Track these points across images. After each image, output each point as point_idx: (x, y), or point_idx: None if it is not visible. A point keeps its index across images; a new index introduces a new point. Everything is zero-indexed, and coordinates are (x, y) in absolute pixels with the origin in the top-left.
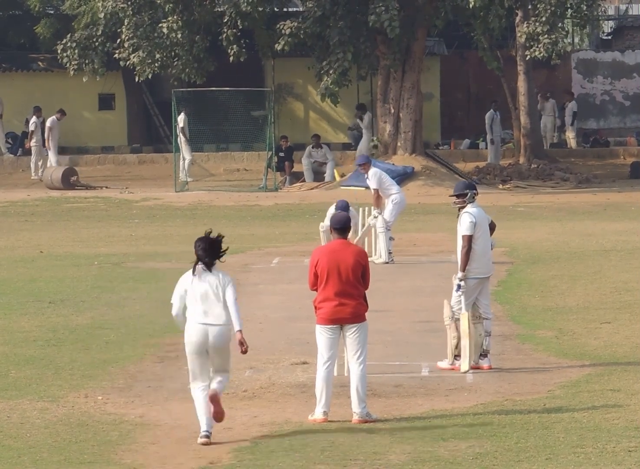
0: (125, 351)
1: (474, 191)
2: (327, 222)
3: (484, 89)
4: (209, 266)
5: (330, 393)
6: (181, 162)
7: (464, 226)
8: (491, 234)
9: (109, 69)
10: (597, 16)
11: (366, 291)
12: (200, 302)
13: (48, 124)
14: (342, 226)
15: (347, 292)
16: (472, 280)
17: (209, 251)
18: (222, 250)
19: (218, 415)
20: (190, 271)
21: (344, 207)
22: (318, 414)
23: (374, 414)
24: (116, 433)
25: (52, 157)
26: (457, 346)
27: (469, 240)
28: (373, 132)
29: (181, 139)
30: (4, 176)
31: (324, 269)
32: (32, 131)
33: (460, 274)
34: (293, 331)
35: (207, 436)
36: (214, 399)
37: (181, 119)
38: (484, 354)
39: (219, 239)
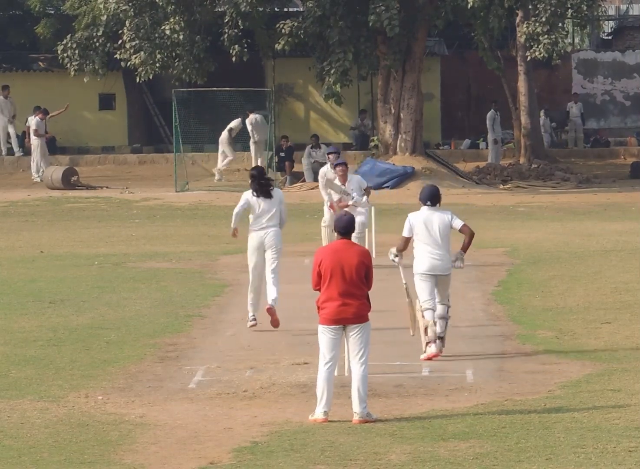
0: (126, 351)
1: (428, 202)
2: (322, 175)
3: (484, 89)
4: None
5: (331, 393)
6: (221, 160)
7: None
8: (469, 242)
9: (109, 68)
10: (598, 16)
11: (369, 291)
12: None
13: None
14: (346, 230)
15: (351, 292)
16: (417, 276)
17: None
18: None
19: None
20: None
21: (337, 150)
22: (318, 414)
23: (374, 414)
24: (116, 433)
25: (41, 161)
26: (426, 332)
27: (402, 240)
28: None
29: (226, 139)
30: (4, 176)
31: (328, 269)
32: (35, 130)
33: (393, 250)
34: (293, 331)
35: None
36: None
37: (237, 122)
38: (439, 337)
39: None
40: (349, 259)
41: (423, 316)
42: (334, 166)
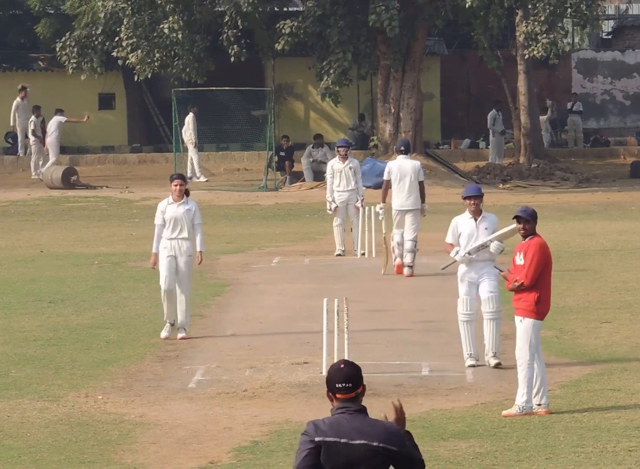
0: (126, 350)
1: (404, 148)
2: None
3: (484, 88)
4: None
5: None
6: (196, 163)
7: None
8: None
9: (109, 68)
10: (597, 16)
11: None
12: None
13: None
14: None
15: None
16: (394, 211)
17: None
18: None
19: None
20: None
21: (346, 142)
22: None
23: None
24: (116, 433)
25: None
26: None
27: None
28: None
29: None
30: (4, 176)
31: (549, 265)
32: (32, 130)
33: (380, 205)
34: (293, 330)
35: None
36: None
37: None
38: (409, 266)
39: None
40: None
41: (392, 238)
42: (464, 198)
